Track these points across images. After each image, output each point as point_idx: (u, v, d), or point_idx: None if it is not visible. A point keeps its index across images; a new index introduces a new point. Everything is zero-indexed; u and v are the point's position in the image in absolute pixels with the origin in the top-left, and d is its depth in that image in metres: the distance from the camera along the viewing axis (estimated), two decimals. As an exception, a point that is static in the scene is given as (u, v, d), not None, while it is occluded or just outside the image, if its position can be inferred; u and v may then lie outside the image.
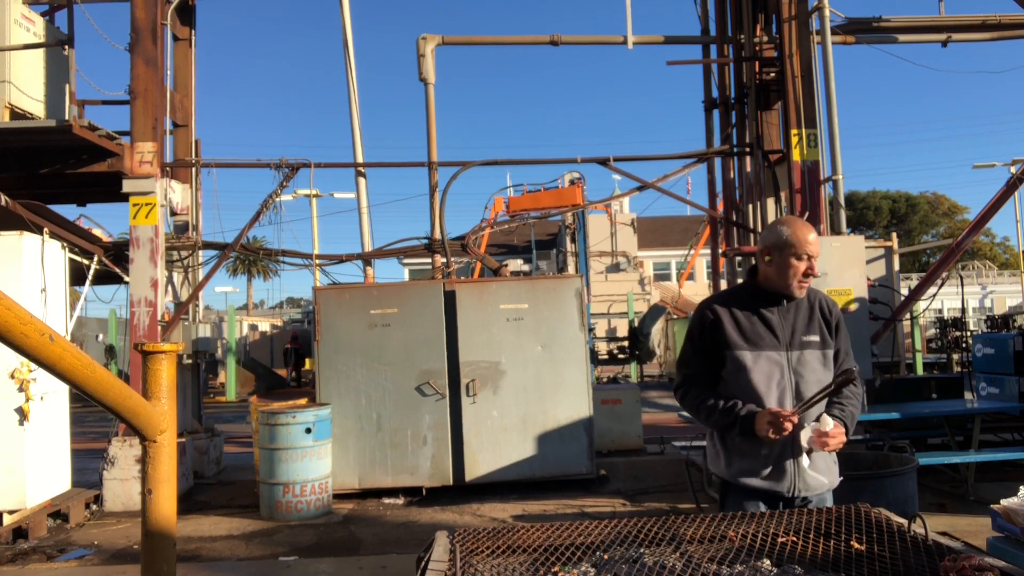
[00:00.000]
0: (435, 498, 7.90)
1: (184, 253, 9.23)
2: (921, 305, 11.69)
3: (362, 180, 10.03)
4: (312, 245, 21.64)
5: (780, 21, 8.77)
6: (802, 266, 2.74)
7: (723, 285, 10.49)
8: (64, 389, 7.26)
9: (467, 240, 9.68)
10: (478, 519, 7.13)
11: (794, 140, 8.50)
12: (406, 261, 32.96)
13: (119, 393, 1.81)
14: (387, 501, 7.86)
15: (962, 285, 11.58)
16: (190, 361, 9.21)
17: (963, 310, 13.93)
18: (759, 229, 9.37)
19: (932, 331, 21.71)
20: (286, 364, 22.37)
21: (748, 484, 2.73)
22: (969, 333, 13.22)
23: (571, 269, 20.60)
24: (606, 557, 2.05)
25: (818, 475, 2.72)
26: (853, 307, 7.69)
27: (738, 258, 9.99)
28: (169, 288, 9.06)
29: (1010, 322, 13.81)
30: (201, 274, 9.54)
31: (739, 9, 9.72)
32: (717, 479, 2.89)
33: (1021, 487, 2.69)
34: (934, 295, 9.87)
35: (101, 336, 21.88)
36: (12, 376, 6.57)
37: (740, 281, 2.98)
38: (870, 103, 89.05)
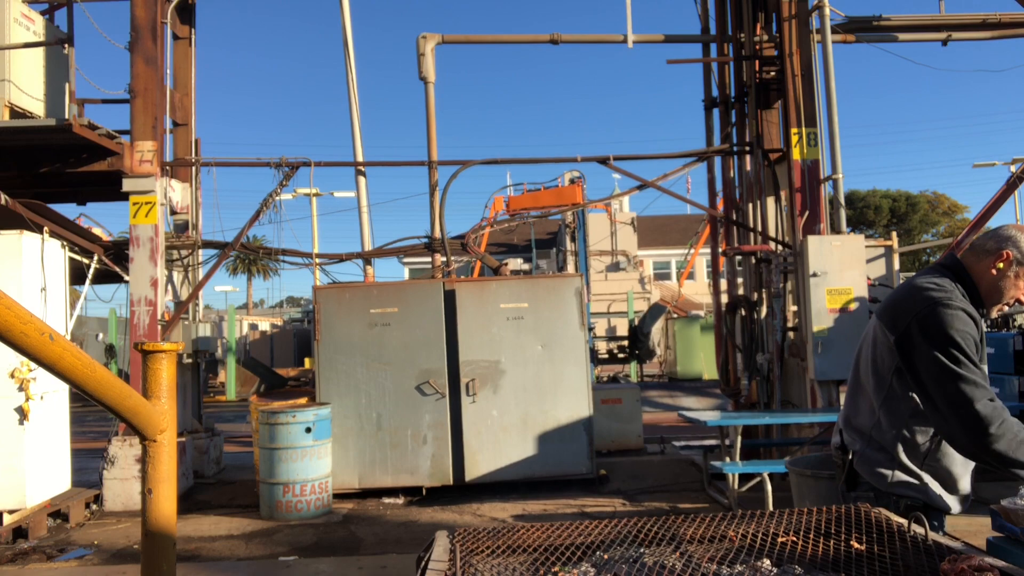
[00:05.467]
0: (435, 498, 7.90)
1: (184, 252, 9.23)
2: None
3: (362, 179, 10.03)
4: (312, 244, 21.64)
5: (780, 20, 8.77)
6: None
7: (723, 284, 10.47)
8: (64, 388, 7.26)
9: (467, 239, 9.68)
10: (478, 519, 7.13)
11: (794, 139, 8.49)
12: (406, 260, 32.99)
13: (119, 392, 1.81)
14: (387, 501, 7.86)
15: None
16: (190, 360, 9.21)
17: (963, 309, 13.85)
18: (759, 228, 9.36)
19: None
20: None
21: (947, 506, 2.57)
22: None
23: (571, 268, 20.59)
24: (606, 557, 2.04)
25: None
26: (853, 307, 7.69)
27: (738, 257, 9.99)
28: (169, 287, 9.06)
29: (1010, 321, 13.79)
30: (201, 273, 9.54)
31: (739, 8, 9.72)
32: (896, 500, 2.53)
33: (1021, 487, 2.68)
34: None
35: (101, 335, 21.89)
36: (12, 375, 6.57)
37: (904, 275, 2.61)
38: (870, 102, 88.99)
